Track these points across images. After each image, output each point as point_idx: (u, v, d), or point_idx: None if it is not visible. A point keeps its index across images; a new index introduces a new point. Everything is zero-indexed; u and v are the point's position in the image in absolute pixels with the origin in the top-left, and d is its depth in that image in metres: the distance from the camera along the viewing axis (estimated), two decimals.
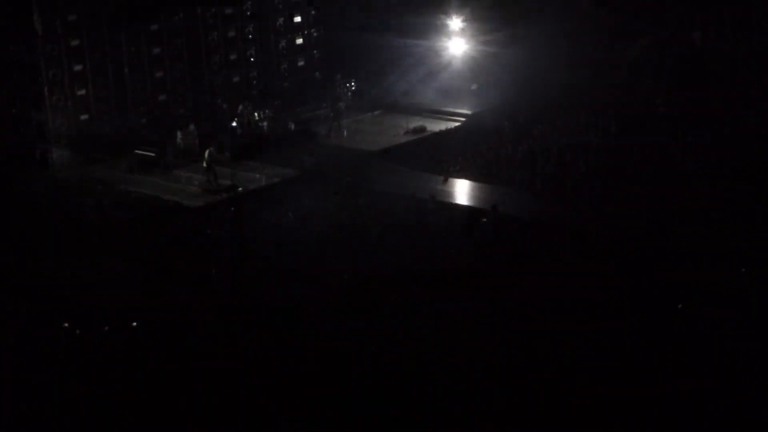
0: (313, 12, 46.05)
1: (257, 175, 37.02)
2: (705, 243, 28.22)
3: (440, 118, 43.42)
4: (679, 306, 24.48)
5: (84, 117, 39.58)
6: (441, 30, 45.42)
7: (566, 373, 21.93)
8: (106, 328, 23.67)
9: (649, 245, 28.25)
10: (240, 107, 40.81)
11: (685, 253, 27.46)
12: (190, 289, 26.64)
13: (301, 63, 46.05)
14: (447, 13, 45.27)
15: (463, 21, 45.02)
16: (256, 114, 40.47)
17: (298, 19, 45.64)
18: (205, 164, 36.20)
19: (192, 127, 40.22)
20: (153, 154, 37.87)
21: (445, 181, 36.05)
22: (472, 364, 22.46)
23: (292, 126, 41.28)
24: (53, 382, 21.82)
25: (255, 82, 44.31)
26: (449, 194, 34.69)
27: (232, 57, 43.89)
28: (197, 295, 26.28)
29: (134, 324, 23.62)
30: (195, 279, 27.44)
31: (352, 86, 44.41)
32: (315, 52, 46.30)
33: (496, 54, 44.44)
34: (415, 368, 22.53)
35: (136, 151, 38.06)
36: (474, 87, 44.37)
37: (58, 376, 22.01)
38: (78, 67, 39.36)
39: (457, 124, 42.66)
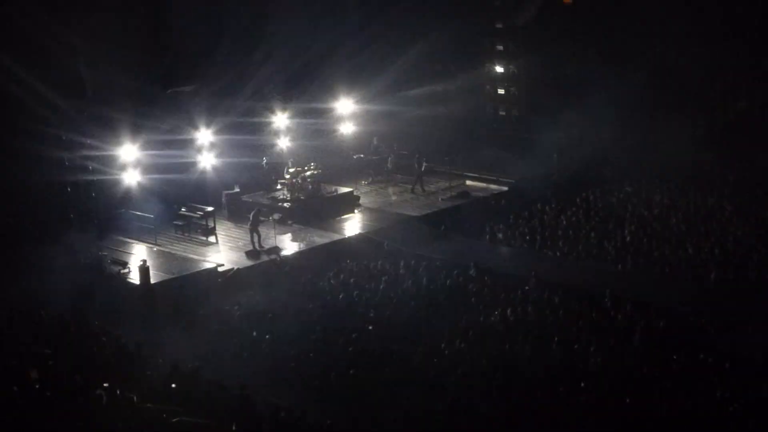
0: None
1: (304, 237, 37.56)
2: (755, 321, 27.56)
3: (484, 184, 43.66)
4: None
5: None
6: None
7: None
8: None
9: (690, 318, 27.88)
10: (286, 170, 41.22)
11: (726, 331, 26.85)
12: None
13: None
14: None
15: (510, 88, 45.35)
16: (301, 177, 40.82)
17: None
18: (249, 226, 36.51)
19: (237, 188, 40.72)
20: (199, 215, 38.25)
21: (489, 246, 36.08)
22: None
23: (336, 189, 41.59)
24: None
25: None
26: (492, 260, 34.61)
27: None
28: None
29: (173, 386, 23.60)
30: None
31: (403, 153, 44.92)
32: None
33: (541, 121, 44.63)
34: None
35: (181, 212, 38.50)
36: (514, 156, 44.59)
37: None
38: None
39: (501, 189, 42.81)
